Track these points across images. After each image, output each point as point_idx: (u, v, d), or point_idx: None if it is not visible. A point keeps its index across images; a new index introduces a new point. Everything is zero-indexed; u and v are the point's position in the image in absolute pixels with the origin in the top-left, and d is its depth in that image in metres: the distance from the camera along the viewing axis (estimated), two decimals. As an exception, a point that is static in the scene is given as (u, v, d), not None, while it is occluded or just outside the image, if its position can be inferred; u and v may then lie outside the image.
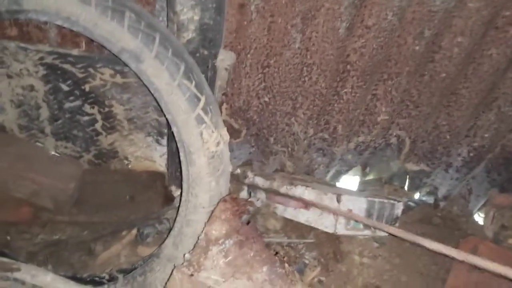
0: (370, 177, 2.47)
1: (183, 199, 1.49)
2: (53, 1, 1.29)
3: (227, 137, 1.47)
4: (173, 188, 2.11)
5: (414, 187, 2.42)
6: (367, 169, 2.37)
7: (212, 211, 1.32)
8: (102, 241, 1.97)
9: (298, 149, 2.16)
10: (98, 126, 2.03)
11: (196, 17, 1.41)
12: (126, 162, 2.18)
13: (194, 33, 1.46)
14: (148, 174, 2.19)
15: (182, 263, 1.21)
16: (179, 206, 1.51)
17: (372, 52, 1.74)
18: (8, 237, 1.90)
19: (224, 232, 1.21)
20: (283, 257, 1.48)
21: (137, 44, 1.32)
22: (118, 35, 1.32)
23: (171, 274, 1.17)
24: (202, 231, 1.25)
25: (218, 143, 1.42)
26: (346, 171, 2.36)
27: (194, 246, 1.23)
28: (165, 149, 2.10)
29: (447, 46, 1.75)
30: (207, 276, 1.14)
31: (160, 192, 2.17)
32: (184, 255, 1.21)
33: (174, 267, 1.19)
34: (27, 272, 1.36)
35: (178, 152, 1.93)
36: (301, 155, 2.19)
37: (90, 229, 2.02)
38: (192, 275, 1.13)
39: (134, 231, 1.99)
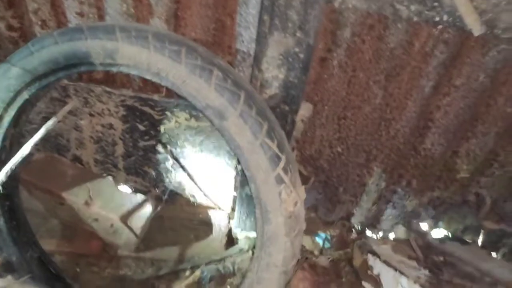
0: (441, 229, 2.34)
1: (255, 255, 1.46)
2: (145, 57, 1.32)
3: (304, 196, 1.44)
4: (237, 230, 2.10)
5: (489, 244, 2.26)
6: (439, 223, 2.25)
7: (290, 274, 1.29)
8: (166, 279, 1.99)
9: (367, 200, 2.09)
10: (168, 164, 2.07)
11: (281, 76, 1.40)
12: (192, 200, 2.20)
13: (277, 89, 1.45)
14: (213, 214, 2.20)
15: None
16: (250, 262, 1.48)
17: (457, 110, 1.65)
18: (78, 269, 1.96)
19: (302, 304, 1.17)
20: None
21: (222, 102, 1.32)
22: (205, 92, 1.33)
23: None
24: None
25: (295, 203, 1.39)
26: (417, 223, 2.24)
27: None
28: (232, 192, 2.11)
29: (542, 109, 1.63)
30: None
31: (224, 233, 2.16)
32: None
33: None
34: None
35: (247, 199, 1.95)
36: (370, 206, 2.11)
37: (154, 266, 2.04)
38: None
39: (198, 273, 1.99)
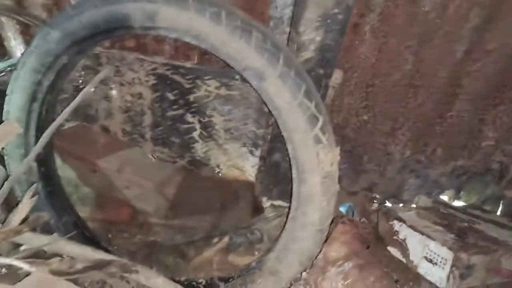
0: (462, 199, 2.37)
1: (290, 215, 1.50)
2: (186, 20, 1.35)
3: (339, 157, 1.47)
4: (263, 199, 2.14)
5: (509, 215, 2.30)
6: (461, 193, 2.28)
7: (326, 232, 1.33)
8: (195, 246, 2.04)
9: (391, 170, 2.12)
10: (195, 134, 2.10)
11: (319, 38, 1.42)
12: (217, 170, 2.23)
13: (313, 52, 1.47)
14: (239, 184, 2.24)
15: (298, 280, 1.22)
16: (285, 222, 1.53)
17: (487, 76, 1.68)
18: (110, 235, 2.01)
19: (343, 254, 1.21)
20: (403, 286, 1.46)
21: (262, 63, 1.35)
22: (245, 53, 1.35)
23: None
24: (320, 252, 1.25)
25: (332, 163, 1.42)
26: (438, 194, 2.28)
27: (312, 265, 1.24)
28: (257, 160, 2.14)
29: None
30: (326, 298, 1.14)
31: (250, 202, 2.20)
32: (301, 273, 1.22)
33: (291, 284, 1.20)
34: (143, 274, 1.42)
35: (275, 167, 1.98)
36: (394, 175, 2.15)
37: (183, 233, 2.09)
38: (311, 295, 1.14)
39: (226, 239, 2.04)
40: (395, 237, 1.75)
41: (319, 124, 1.39)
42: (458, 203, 2.41)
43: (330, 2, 1.35)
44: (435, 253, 1.56)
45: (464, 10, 1.49)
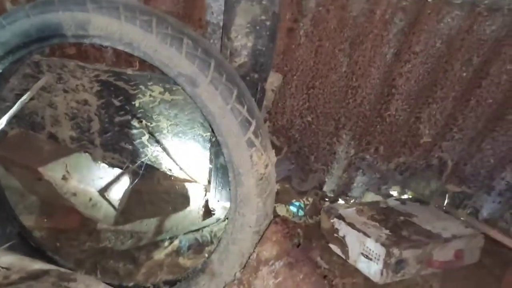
0: (409, 194, 2.46)
1: (230, 217, 1.54)
2: (117, 28, 1.36)
3: (274, 159, 1.51)
4: (214, 201, 2.17)
5: (454, 207, 2.40)
6: (407, 188, 2.37)
7: (263, 232, 1.36)
8: (145, 250, 2.05)
9: (338, 168, 2.19)
10: (144, 139, 2.12)
11: (250, 44, 1.46)
12: (169, 173, 2.25)
13: (246, 58, 1.51)
14: (190, 186, 2.26)
15: (233, 281, 1.25)
16: (225, 224, 1.56)
17: (418, 77, 1.75)
18: (58, 244, 2.00)
19: (275, 254, 1.25)
20: (332, 281, 1.51)
21: (193, 70, 1.38)
22: (176, 60, 1.38)
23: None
24: (253, 252, 1.29)
25: (266, 166, 1.46)
26: (386, 190, 2.36)
27: (245, 266, 1.27)
28: (206, 163, 2.17)
29: (496, 73, 1.74)
30: (257, 297, 1.18)
31: (201, 204, 2.23)
32: (235, 273, 1.26)
33: (225, 284, 1.24)
34: (82, 282, 1.42)
35: (222, 169, 2.01)
36: (341, 173, 2.21)
37: (134, 238, 2.09)
38: (242, 295, 1.17)
39: (176, 242, 2.06)
40: (335, 235, 1.81)
41: (252, 128, 1.42)
42: (405, 197, 2.51)
43: (257, 9, 1.39)
44: (370, 249, 1.63)
45: (389, 14, 1.56)
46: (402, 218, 1.88)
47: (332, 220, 1.79)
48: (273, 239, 1.29)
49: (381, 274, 1.57)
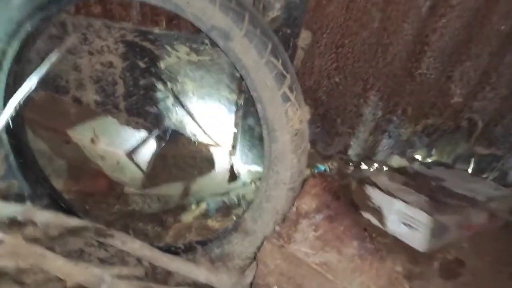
0: (434, 158, 2.43)
1: (263, 175, 1.53)
2: (149, -21, 1.33)
3: (308, 115, 1.49)
4: (239, 165, 2.16)
5: (479, 171, 2.37)
6: (433, 151, 2.34)
7: (297, 190, 1.35)
8: (173, 213, 2.06)
9: (364, 131, 2.16)
10: (169, 102, 2.10)
11: (284, -4, 1.42)
12: (193, 138, 2.24)
13: (279, 11, 1.47)
14: (215, 150, 2.25)
15: (272, 235, 1.25)
16: (260, 181, 1.55)
17: (453, 32, 1.70)
18: (87, 207, 2.02)
19: (314, 207, 1.24)
20: (373, 233, 1.50)
21: (227, 22, 1.34)
22: (210, 13, 1.34)
23: (262, 244, 1.21)
24: (289, 208, 1.28)
25: (301, 121, 1.44)
26: (411, 153, 2.33)
27: (284, 219, 1.27)
28: (231, 126, 2.15)
29: (534, 26, 1.69)
30: (297, 248, 1.17)
31: (226, 168, 2.22)
32: (274, 227, 1.25)
33: (265, 238, 1.23)
34: (119, 238, 1.44)
35: (250, 132, 2.00)
36: (367, 137, 2.18)
37: (161, 202, 2.11)
38: (282, 246, 1.17)
39: (204, 206, 2.07)
40: (369, 203, 1.78)
41: (287, 82, 1.40)
42: (431, 160, 2.48)
43: (293, -41, 1.34)
44: (412, 217, 1.59)
45: (427, -36, 1.50)
46: (433, 183, 1.85)
47: (365, 188, 1.77)
48: (312, 193, 1.28)
49: (426, 241, 1.53)
